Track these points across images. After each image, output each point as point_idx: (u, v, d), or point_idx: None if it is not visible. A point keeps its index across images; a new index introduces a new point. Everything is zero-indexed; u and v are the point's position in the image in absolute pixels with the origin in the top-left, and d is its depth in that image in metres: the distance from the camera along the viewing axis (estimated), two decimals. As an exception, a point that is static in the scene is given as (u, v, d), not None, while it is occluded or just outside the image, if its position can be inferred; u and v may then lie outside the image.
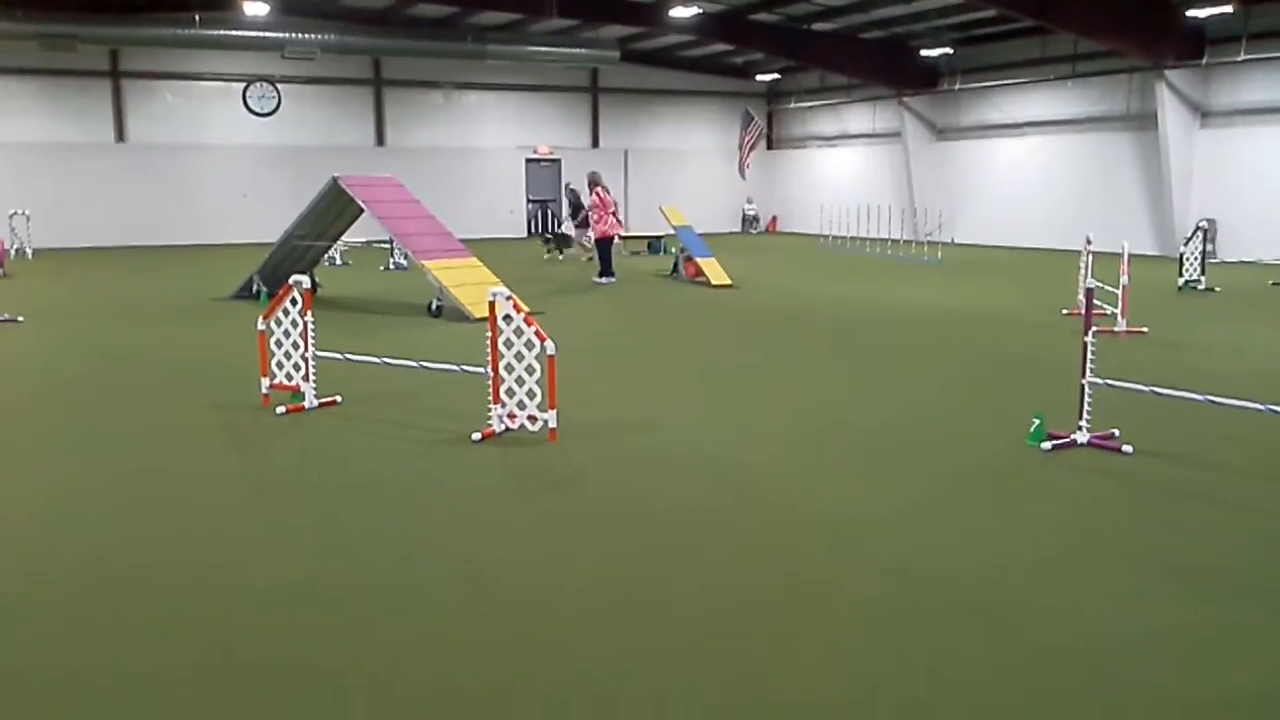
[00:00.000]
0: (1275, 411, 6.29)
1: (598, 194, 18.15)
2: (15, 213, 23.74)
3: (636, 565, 4.92)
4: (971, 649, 4.02)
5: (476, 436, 7.12)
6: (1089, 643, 4.05)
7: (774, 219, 35.79)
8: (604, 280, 17.72)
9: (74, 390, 9.06)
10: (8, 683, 3.76)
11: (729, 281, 17.24)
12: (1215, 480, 6.28)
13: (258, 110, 28.89)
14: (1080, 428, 6.92)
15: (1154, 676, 3.81)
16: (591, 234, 18.70)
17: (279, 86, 28.86)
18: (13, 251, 22.74)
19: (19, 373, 9.96)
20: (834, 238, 27.83)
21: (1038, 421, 6.96)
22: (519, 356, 7.17)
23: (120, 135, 27.68)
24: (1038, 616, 4.30)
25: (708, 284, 17.23)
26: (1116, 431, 6.97)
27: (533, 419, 7.20)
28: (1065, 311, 13.46)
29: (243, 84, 28.61)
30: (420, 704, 3.60)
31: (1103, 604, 4.42)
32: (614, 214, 18.21)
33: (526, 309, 7.32)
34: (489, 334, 7.24)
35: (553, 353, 7.03)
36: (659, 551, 5.10)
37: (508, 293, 7.28)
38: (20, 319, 13.04)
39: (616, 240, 18.95)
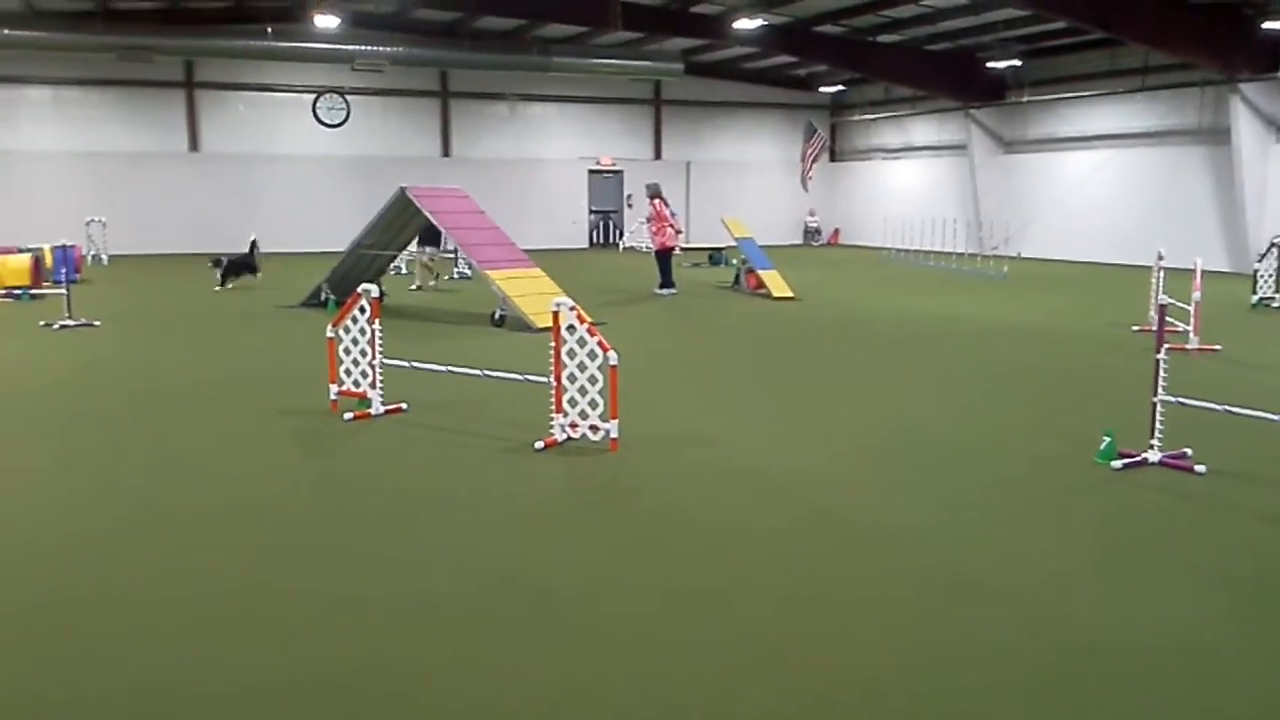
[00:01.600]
0: (1355, 433, 6.13)
1: (655, 206, 18.17)
2: (92, 220, 24.43)
3: (696, 577, 4.92)
4: (1031, 666, 3.97)
5: (539, 445, 7.17)
6: (1153, 664, 3.98)
7: (836, 231, 35.60)
8: (664, 292, 17.75)
9: (146, 392, 9.27)
10: (85, 679, 3.86)
11: (791, 294, 17.18)
12: (1291, 502, 6.13)
13: (327, 121, 29.42)
14: (1151, 446, 6.80)
15: (1219, 698, 3.73)
16: (435, 255, 18.56)
17: (348, 98, 29.36)
18: (89, 258, 23.39)
19: (95, 375, 10.22)
20: (897, 251, 27.60)
21: (1108, 439, 6.85)
22: (581, 367, 7.21)
23: (194, 145, 28.34)
24: (1103, 636, 4.22)
25: (769, 296, 17.19)
26: (1189, 451, 6.84)
27: (594, 429, 7.24)
28: (1136, 328, 13.22)
29: (313, 95, 29.16)
30: (477, 715, 3.64)
31: (1170, 625, 4.34)
32: (673, 225, 18.16)
33: (589, 319, 7.37)
34: (552, 344, 7.30)
35: (615, 363, 7.06)
36: (718, 563, 5.09)
37: (571, 303, 7.33)
38: (97, 323, 13.40)
39: (677, 251, 18.95)
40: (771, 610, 4.53)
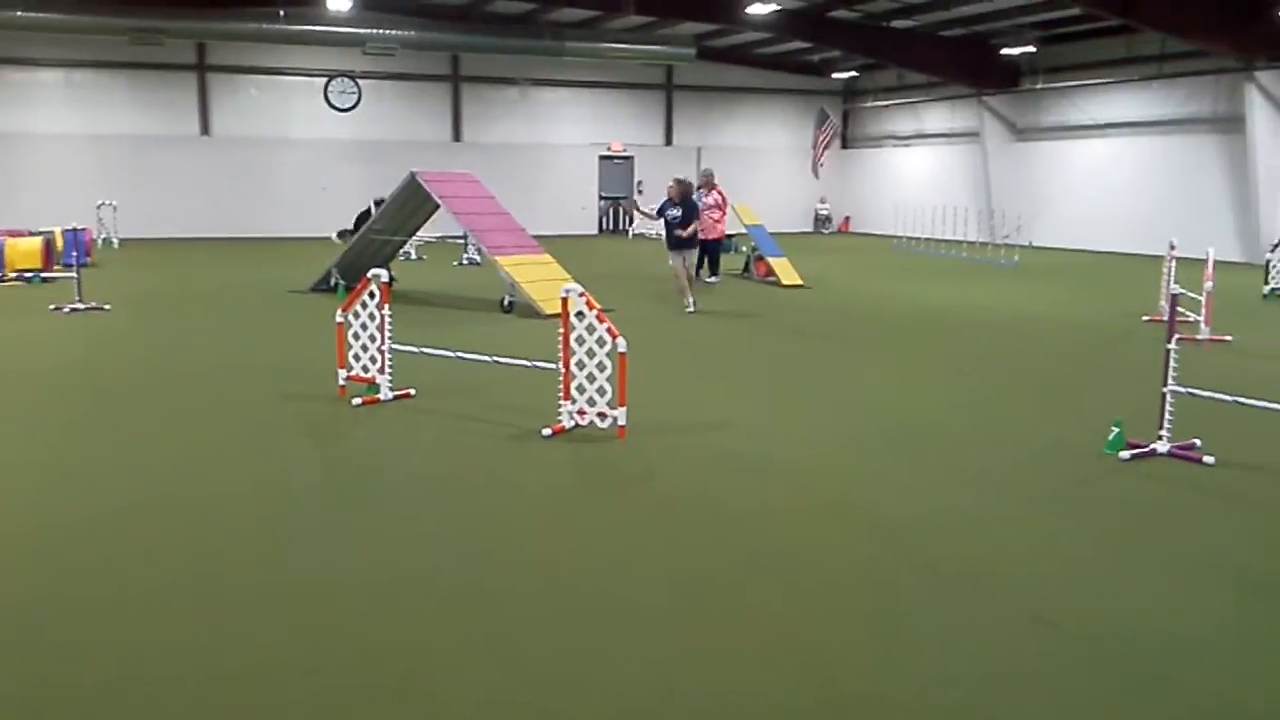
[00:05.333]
0: (1367, 426, 6.10)
1: (719, 192, 17.32)
2: (103, 203, 24.47)
3: (704, 564, 4.92)
4: (1034, 655, 3.96)
5: (546, 432, 7.17)
6: (1160, 655, 3.97)
7: (847, 219, 35.48)
8: (714, 280, 17.26)
9: (156, 376, 9.30)
10: (90, 666, 3.88)
11: (800, 281, 17.13)
12: (1301, 495, 6.10)
13: (338, 105, 29.40)
14: (1161, 437, 6.77)
15: (1227, 689, 3.72)
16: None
17: (359, 82, 29.33)
18: (100, 241, 23.44)
19: (104, 359, 10.25)
20: (908, 239, 27.51)
21: (1117, 429, 6.82)
22: (590, 353, 7.21)
23: (205, 128, 28.36)
24: (1104, 624, 4.22)
25: (779, 284, 17.14)
26: (1198, 441, 6.81)
27: (602, 415, 7.23)
28: (1146, 318, 13.16)
29: (324, 79, 29.14)
30: (487, 698, 3.65)
31: (1177, 616, 4.33)
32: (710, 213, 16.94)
33: (599, 306, 7.35)
34: (561, 330, 7.29)
35: (624, 350, 7.06)
36: (727, 551, 5.09)
37: (580, 289, 7.32)
38: (107, 307, 13.43)
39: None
40: (781, 598, 4.53)
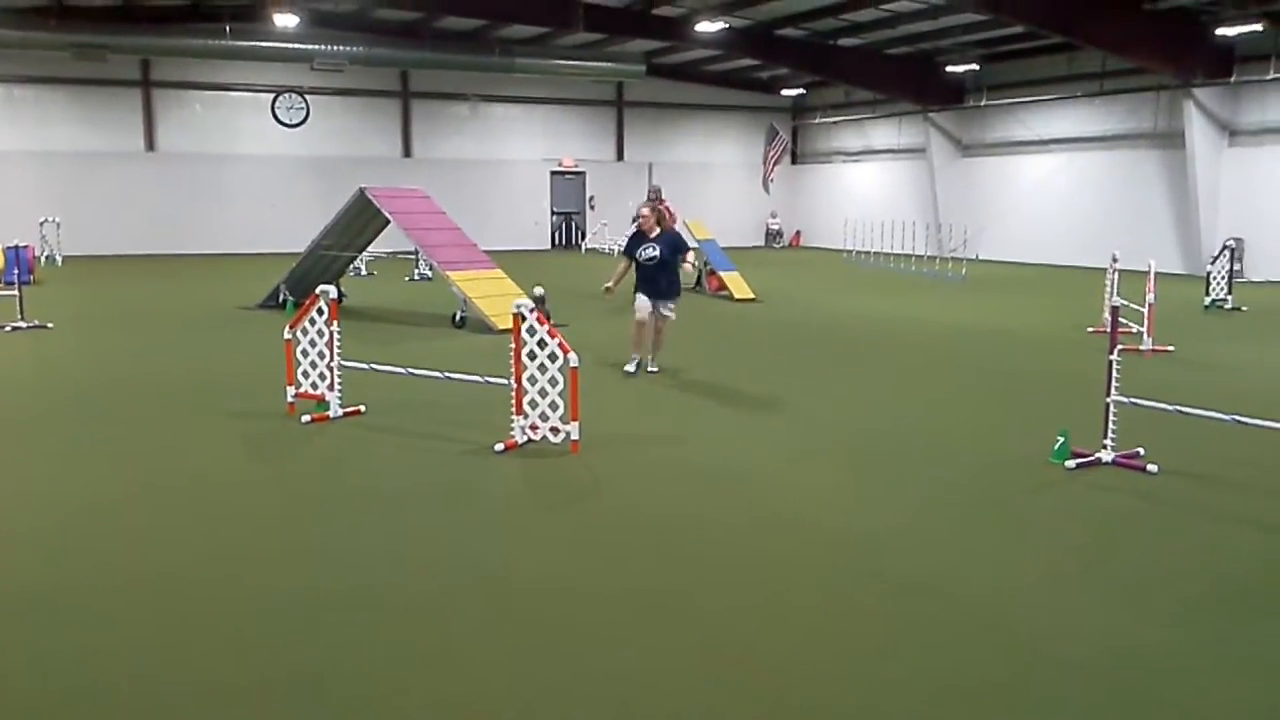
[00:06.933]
0: (1302, 432, 6.24)
1: (667, 205, 17.41)
2: (46, 220, 24.04)
3: (655, 577, 4.93)
4: (985, 664, 4.01)
5: (499, 448, 7.14)
6: (1104, 659, 4.03)
7: (798, 234, 35.75)
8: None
9: (101, 396, 9.14)
10: (30, 683, 3.80)
11: (752, 295, 17.23)
12: (1240, 501, 6.23)
13: (286, 121, 29.16)
14: (1105, 446, 6.88)
15: (1168, 693, 3.78)
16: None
17: (307, 97, 29.11)
18: (43, 259, 23.02)
19: (47, 379, 10.07)
20: (858, 253, 27.78)
21: (1062, 439, 6.93)
22: (542, 368, 7.20)
23: (150, 144, 27.99)
24: (1054, 633, 4.28)
25: (731, 298, 17.23)
26: (1141, 450, 6.93)
27: (555, 431, 7.22)
28: (1090, 329, 13.39)
29: (272, 95, 28.89)
30: (436, 713, 3.62)
31: (1120, 622, 4.40)
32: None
33: (550, 321, 7.35)
34: (512, 345, 7.28)
35: (575, 365, 7.05)
36: (678, 564, 5.10)
37: (532, 304, 7.31)
38: (50, 325, 13.19)
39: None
40: (733, 611, 4.54)
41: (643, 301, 10.04)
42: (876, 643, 4.22)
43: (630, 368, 10.17)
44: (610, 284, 10.20)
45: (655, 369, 10.21)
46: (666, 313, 10.19)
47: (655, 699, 3.74)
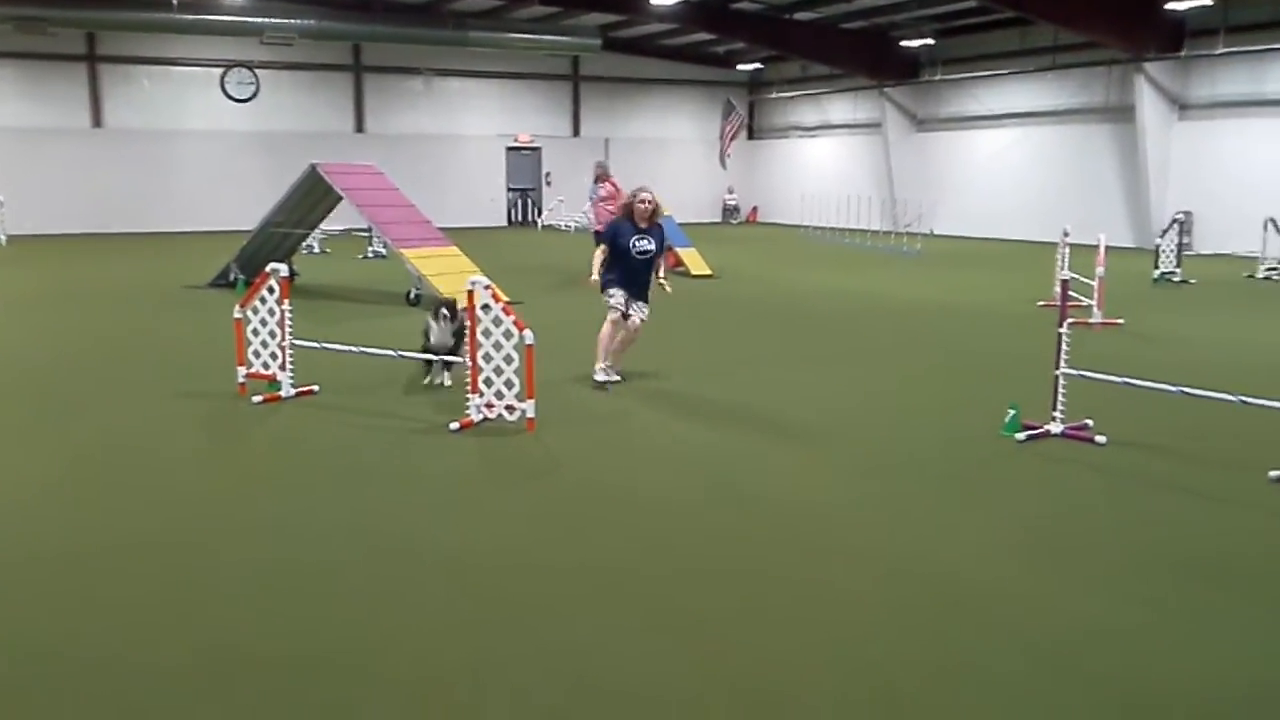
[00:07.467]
0: (1247, 403, 6.36)
1: (613, 183, 17.52)
2: (-11, 198, 23.54)
3: (610, 552, 4.93)
4: (939, 636, 4.05)
5: (454, 426, 7.11)
6: (1054, 633, 4.09)
7: (754, 209, 35.81)
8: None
9: (48, 378, 8.98)
10: (-22, 673, 3.74)
11: (709, 271, 17.24)
12: (1186, 470, 6.34)
13: (236, 96, 28.70)
14: (1054, 418, 6.97)
15: (1115, 665, 3.85)
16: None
17: (257, 72, 28.66)
18: (-13, 237, 22.56)
19: (-8, 360, 9.88)
20: (814, 228, 27.87)
21: (1013, 412, 7.00)
22: (497, 346, 7.16)
23: (97, 120, 27.46)
24: (1006, 604, 4.33)
25: (688, 274, 17.22)
26: (1090, 422, 7.03)
27: (511, 409, 7.19)
28: (1041, 303, 13.53)
29: (221, 69, 28.40)
30: (394, 690, 3.61)
31: (1068, 593, 4.46)
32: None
33: (506, 298, 7.31)
34: (467, 323, 7.23)
35: (531, 342, 7.02)
36: (635, 540, 5.11)
37: (486, 281, 7.27)
38: (-6, 306, 12.94)
39: None
40: (687, 586, 4.55)
41: (620, 298, 8.63)
42: (831, 615, 4.25)
43: (600, 376, 8.67)
44: (595, 276, 8.65)
45: (619, 377, 8.81)
46: (644, 316, 8.78)
47: (608, 675, 3.75)
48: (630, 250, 8.56)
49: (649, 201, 8.67)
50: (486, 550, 4.96)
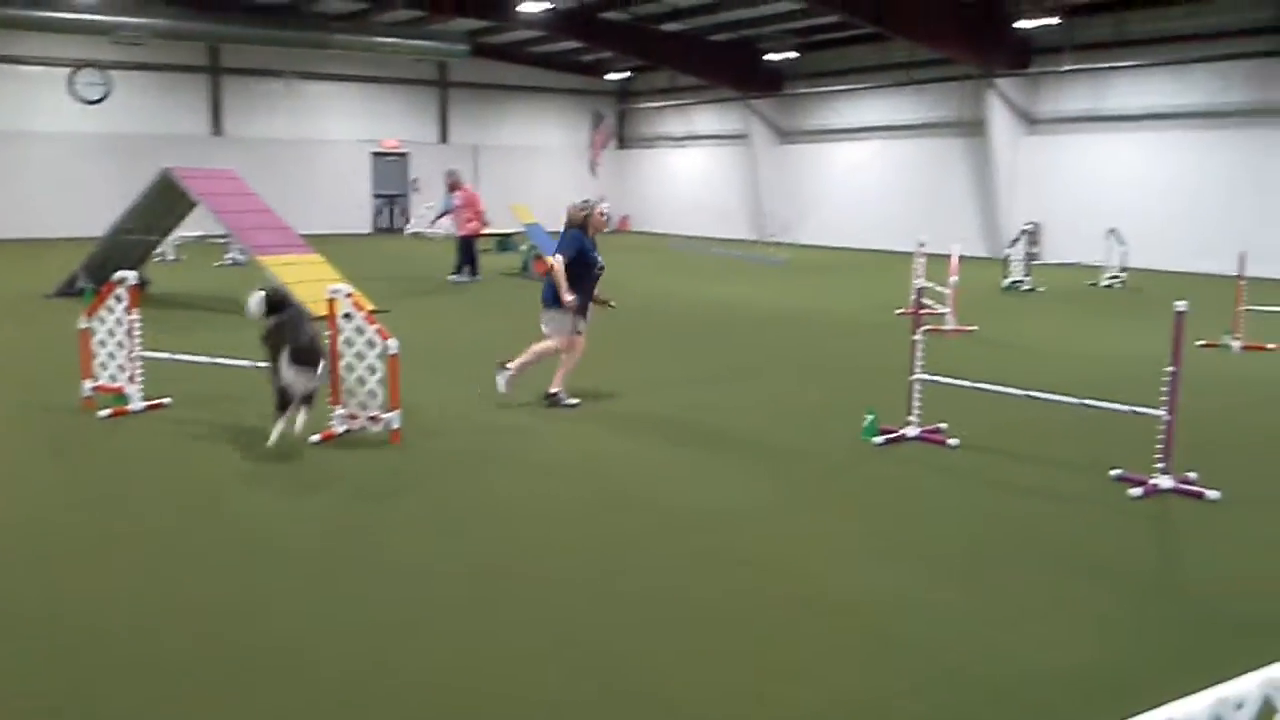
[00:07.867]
0: (1088, 406, 6.66)
1: (468, 191, 17.73)
2: None
3: (486, 562, 4.89)
4: (805, 635, 4.14)
5: (315, 438, 6.94)
6: (908, 626, 4.21)
7: (625, 218, 35.94)
8: (463, 279, 17.34)
9: (-127, 393, 8.45)
10: None
11: (578, 279, 17.21)
12: (1033, 470, 6.62)
13: (86, 97, 27.44)
14: (909, 422, 7.19)
15: (961, 656, 3.98)
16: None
17: (109, 72, 27.49)
18: None
19: None
20: (683, 237, 28.15)
21: (870, 417, 7.20)
22: (360, 356, 7.03)
23: (-69, 120, 25.95)
24: (866, 600, 4.45)
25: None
26: (944, 425, 7.27)
27: (374, 420, 7.06)
28: (899, 311, 13.93)
29: (69, 69, 27.14)
30: (266, 705, 3.50)
31: (919, 587, 4.61)
32: (480, 211, 17.65)
33: (368, 306, 7.17)
34: (328, 332, 7.08)
35: (395, 351, 6.91)
36: (506, 548, 5.09)
37: (348, 289, 7.13)
38: None
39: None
40: (560, 595, 4.54)
41: (561, 325, 8.22)
42: (708, 618, 4.30)
43: (574, 400, 8.26)
44: (571, 296, 8.04)
45: (577, 400, 8.31)
46: (584, 329, 8.37)
47: (481, 683, 3.72)
48: (595, 264, 8.32)
49: (602, 214, 8.47)
50: (357, 564, 4.88)
